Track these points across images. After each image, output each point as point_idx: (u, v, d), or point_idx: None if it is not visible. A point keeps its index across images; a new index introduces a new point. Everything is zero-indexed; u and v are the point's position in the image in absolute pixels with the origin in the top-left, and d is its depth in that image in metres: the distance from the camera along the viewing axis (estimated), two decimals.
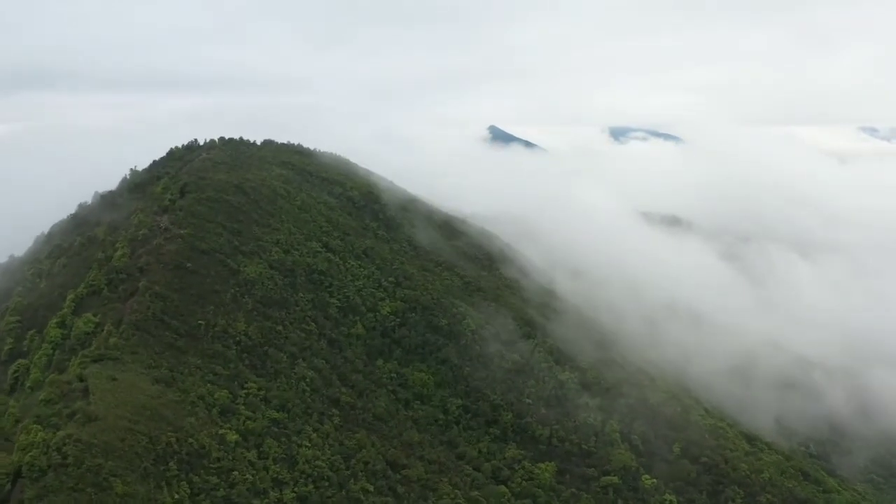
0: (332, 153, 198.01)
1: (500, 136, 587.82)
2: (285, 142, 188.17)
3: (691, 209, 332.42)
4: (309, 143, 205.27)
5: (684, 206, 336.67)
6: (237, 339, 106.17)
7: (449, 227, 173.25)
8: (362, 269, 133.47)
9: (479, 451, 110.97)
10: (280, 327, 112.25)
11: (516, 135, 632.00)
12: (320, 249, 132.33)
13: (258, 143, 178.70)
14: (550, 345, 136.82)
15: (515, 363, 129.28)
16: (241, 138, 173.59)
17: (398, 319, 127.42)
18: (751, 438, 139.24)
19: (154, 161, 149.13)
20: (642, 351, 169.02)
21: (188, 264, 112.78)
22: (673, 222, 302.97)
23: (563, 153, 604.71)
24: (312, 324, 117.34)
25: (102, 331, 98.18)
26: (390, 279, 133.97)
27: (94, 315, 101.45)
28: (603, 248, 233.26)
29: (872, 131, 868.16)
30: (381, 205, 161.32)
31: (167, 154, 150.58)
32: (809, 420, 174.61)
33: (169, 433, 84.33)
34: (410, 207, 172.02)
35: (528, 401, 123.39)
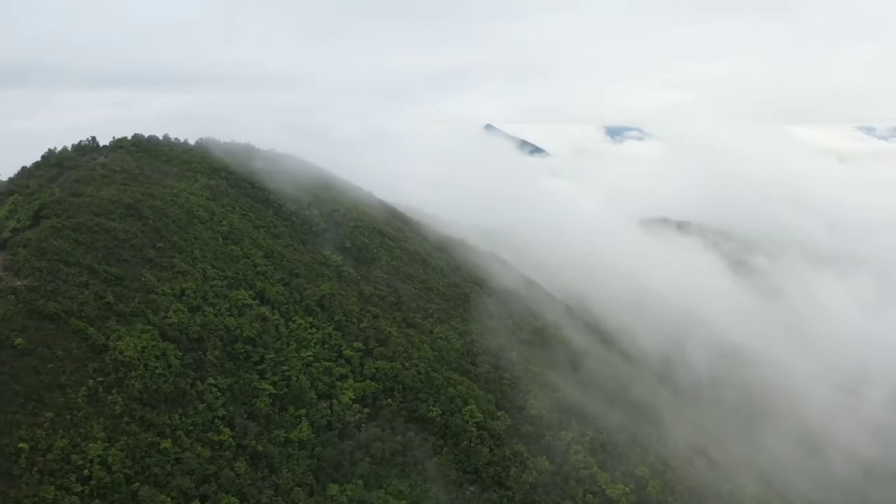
0: (292, 155, 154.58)
1: (496, 136, 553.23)
2: (231, 140, 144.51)
3: (692, 212, 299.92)
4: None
5: (684, 208, 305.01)
6: (86, 472, 62.65)
7: (443, 256, 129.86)
8: (314, 332, 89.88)
9: None
10: (167, 443, 68.59)
11: (513, 133, 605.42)
12: (251, 301, 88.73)
13: (190, 142, 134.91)
14: (591, 438, 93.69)
15: (543, 472, 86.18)
16: (165, 136, 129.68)
17: (367, 410, 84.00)
18: None
19: (23, 168, 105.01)
20: (701, 424, 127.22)
21: (18, 340, 68.99)
22: (677, 228, 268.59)
23: (560, 153, 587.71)
24: (226, 430, 73.77)
25: None
26: (357, 344, 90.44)
27: None
28: (615, 270, 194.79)
29: (869, 130, 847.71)
30: (350, 227, 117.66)
31: (42, 158, 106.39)
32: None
33: None
34: (392, 229, 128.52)
35: None
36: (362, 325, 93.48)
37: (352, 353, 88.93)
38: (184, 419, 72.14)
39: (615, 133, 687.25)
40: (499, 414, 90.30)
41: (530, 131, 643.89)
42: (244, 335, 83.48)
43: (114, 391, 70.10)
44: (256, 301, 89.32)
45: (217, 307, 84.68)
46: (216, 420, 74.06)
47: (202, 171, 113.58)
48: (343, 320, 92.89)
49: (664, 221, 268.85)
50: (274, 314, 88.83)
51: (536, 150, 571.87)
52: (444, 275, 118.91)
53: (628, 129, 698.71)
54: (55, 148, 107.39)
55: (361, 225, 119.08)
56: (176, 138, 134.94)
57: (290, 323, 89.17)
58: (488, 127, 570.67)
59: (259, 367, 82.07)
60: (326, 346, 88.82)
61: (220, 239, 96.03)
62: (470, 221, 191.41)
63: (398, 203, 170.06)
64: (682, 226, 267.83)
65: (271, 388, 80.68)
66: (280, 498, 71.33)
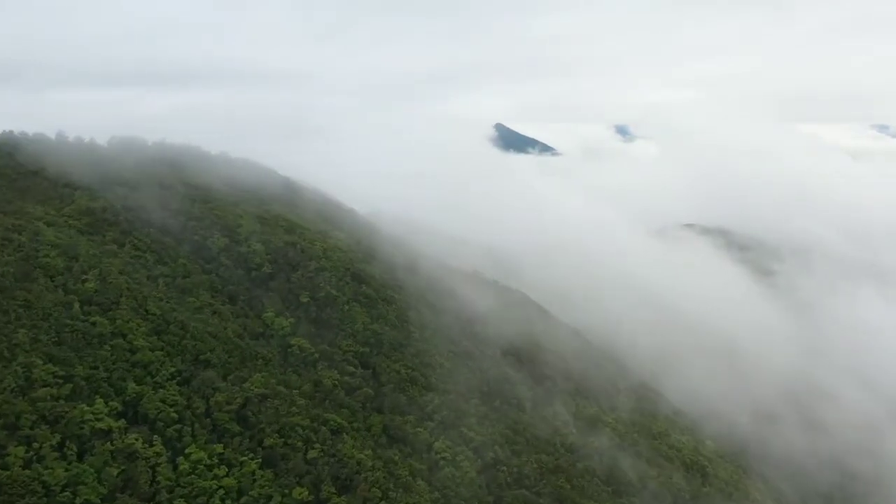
0: (251, 161, 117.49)
1: (506, 135, 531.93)
2: (161, 140, 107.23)
3: (704, 212, 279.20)
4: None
5: (697, 209, 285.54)
6: None
7: (452, 304, 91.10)
8: (224, 474, 51.33)
9: None
10: None
11: (524, 133, 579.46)
12: (111, 423, 50.30)
13: (101, 142, 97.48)
14: None
15: None
16: (59, 133, 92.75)
17: None
18: None
19: None
20: None
21: None
22: (693, 232, 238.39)
23: (570, 152, 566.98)
24: None
25: None
26: (299, 492, 51.87)
27: None
28: (638, 291, 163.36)
29: (883, 128, 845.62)
30: (312, 270, 79.30)
31: None
32: None
33: None
34: (377, 270, 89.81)
35: None
36: (311, 454, 54.93)
37: None
38: None
39: (625, 132, 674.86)
40: None
41: (540, 130, 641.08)
42: (81, 500, 45.03)
43: None
44: (121, 422, 50.84)
45: (37, 444, 46.33)
46: None
47: (85, 186, 75.43)
48: (278, 446, 54.34)
49: (679, 226, 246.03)
50: (151, 446, 50.34)
51: (546, 148, 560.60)
52: (451, 340, 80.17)
53: (639, 127, 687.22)
54: None
55: (329, 266, 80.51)
56: (79, 136, 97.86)
57: (182, 460, 50.69)
58: (498, 126, 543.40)
59: None
60: (244, 500, 50.32)
61: (77, 305, 57.62)
62: (475, 238, 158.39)
63: (389, 213, 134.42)
64: (697, 229, 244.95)
65: None
66: None
